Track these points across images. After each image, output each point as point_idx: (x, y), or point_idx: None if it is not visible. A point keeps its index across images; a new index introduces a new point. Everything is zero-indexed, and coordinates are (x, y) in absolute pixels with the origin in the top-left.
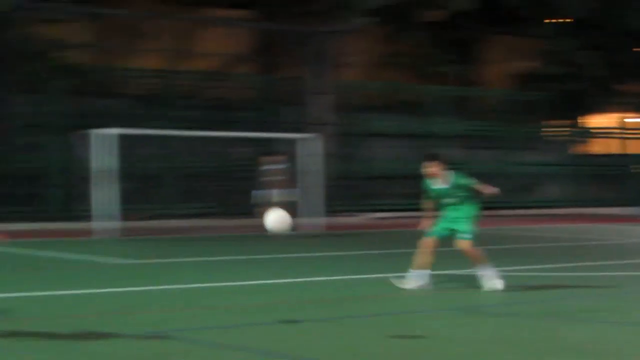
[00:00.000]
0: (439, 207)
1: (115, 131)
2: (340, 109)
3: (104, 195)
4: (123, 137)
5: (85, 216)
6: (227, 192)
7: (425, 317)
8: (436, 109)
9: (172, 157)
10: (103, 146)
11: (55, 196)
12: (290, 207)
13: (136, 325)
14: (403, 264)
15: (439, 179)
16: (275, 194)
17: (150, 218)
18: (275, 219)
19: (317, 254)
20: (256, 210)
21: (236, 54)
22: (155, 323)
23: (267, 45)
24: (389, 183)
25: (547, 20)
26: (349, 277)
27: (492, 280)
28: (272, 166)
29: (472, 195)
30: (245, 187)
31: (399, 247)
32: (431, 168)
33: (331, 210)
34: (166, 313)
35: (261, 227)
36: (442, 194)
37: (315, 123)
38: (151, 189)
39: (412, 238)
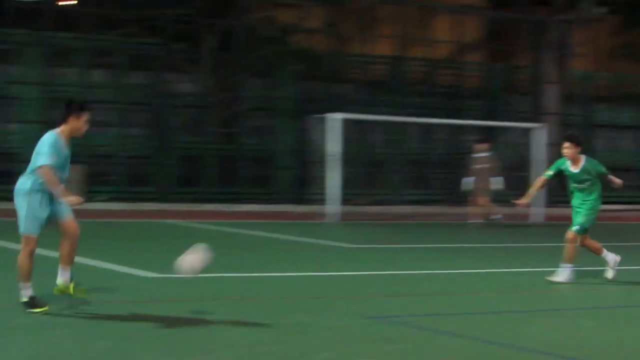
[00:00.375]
0: (571, 192)
1: (343, 116)
2: (569, 100)
3: (332, 179)
4: (351, 122)
5: (311, 200)
6: (452, 180)
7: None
8: None
9: (398, 143)
10: (334, 131)
11: (284, 179)
12: (492, 195)
13: (358, 310)
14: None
15: (573, 161)
16: (479, 181)
17: (374, 203)
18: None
19: (543, 244)
20: (468, 198)
21: (466, 42)
22: (377, 308)
23: (497, 33)
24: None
25: None
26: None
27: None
28: (481, 154)
29: (600, 185)
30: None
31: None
32: (566, 149)
33: (554, 201)
34: (387, 298)
35: (472, 215)
36: (573, 178)
37: (544, 113)
38: (376, 174)
39: (629, 232)
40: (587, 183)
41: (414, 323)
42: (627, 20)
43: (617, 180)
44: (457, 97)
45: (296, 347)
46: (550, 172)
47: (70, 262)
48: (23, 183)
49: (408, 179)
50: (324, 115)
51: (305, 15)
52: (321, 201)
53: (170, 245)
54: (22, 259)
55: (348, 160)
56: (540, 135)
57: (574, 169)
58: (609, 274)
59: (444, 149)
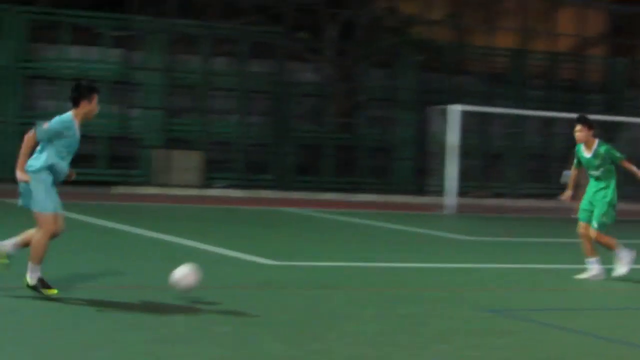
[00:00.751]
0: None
1: (463, 108)
2: None
3: (451, 171)
4: (470, 114)
5: (429, 191)
6: None
7: None
8: None
9: (517, 136)
10: (453, 122)
11: (402, 170)
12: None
13: (474, 302)
14: None
15: (586, 145)
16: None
17: (491, 196)
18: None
19: None
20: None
21: (589, 36)
22: (494, 301)
23: (620, 27)
24: None
25: None
26: None
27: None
28: None
29: (615, 172)
30: None
31: None
32: (578, 132)
33: None
34: (504, 291)
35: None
36: (586, 163)
37: None
38: (494, 167)
39: None
40: (601, 170)
41: (530, 317)
42: None
43: (636, 170)
44: (577, 90)
45: (414, 339)
46: (575, 162)
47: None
48: (34, 162)
49: (526, 172)
50: (443, 106)
51: (427, 7)
52: (439, 193)
53: (289, 233)
54: (40, 239)
55: (466, 152)
56: None
57: (587, 154)
58: (621, 270)
59: (564, 142)
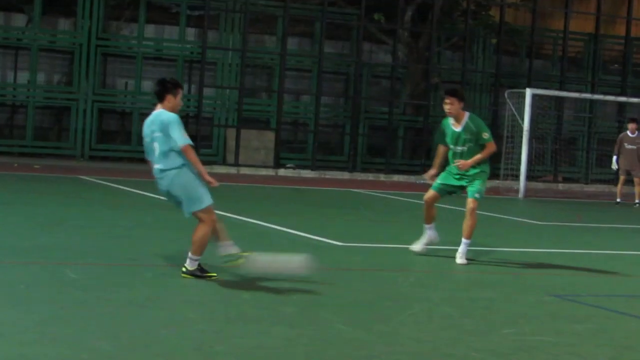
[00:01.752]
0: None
1: (536, 91)
2: None
3: (523, 155)
4: (543, 98)
5: (500, 174)
6: None
7: None
8: None
9: (590, 121)
10: (527, 106)
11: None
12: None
13: (541, 287)
14: None
15: (456, 119)
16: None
17: (562, 181)
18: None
19: None
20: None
21: None
22: (561, 286)
23: None
24: None
25: None
26: None
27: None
28: (631, 134)
29: (480, 149)
30: None
31: None
32: (449, 105)
33: None
34: (572, 277)
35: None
36: (453, 138)
37: None
38: (566, 151)
39: None
40: (467, 146)
41: (598, 303)
42: None
43: (489, 150)
44: None
45: (482, 323)
46: (440, 138)
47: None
48: (172, 162)
49: (597, 157)
50: (517, 89)
51: None
52: (511, 176)
53: (357, 215)
54: (207, 232)
55: (538, 136)
56: None
57: (456, 128)
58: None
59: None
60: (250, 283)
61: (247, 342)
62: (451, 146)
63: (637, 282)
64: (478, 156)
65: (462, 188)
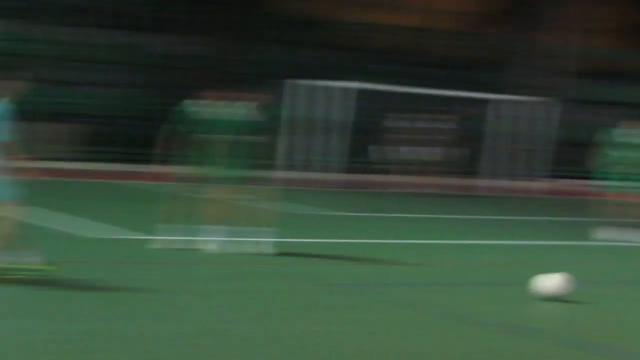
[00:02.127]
0: None
1: (327, 84)
2: (566, 75)
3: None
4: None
5: (298, 166)
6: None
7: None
8: None
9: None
10: (313, 97)
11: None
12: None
13: (319, 276)
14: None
15: None
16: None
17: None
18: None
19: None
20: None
21: (453, 11)
22: (339, 275)
23: (493, 8)
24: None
25: None
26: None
27: None
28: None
29: None
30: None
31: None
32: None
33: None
34: (353, 265)
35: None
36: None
37: (537, 87)
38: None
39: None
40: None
41: (373, 291)
42: None
43: None
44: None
45: (252, 312)
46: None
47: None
48: None
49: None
50: (308, 81)
51: None
52: (304, 167)
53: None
54: None
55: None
56: (548, 110)
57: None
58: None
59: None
60: (33, 279)
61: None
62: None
63: (417, 270)
64: None
65: None
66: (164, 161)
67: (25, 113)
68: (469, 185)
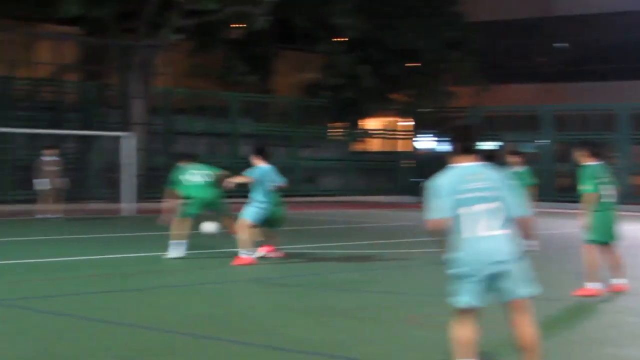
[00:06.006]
0: None
1: None
2: (153, 112)
3: None
4: None
5: None
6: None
7: (222, 288)
8: (236, 113)
9: (7, 150)
10: None
11: None
12: (60, 193)
13: None
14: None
15: None
16: (50, 182)
17: None
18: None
19: (128, 234)
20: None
21: (65, 64)
22: None
23: (92, 56)
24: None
25: (333, 39)
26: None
27: None
28: (49, 158)
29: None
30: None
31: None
32: None
33: (145, 197)
34: (0, 284)
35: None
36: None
37: (133, 123)
38: None
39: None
40: None
41: (21, 305)
42: (198, 45)
43: None
44: (58, 110)
45: None
46: None
47: None
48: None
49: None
50: None
51: None
52: None
53: None
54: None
55: None
56: (129, 142)
57: None
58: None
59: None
60: None
61: None
62: None
63: (50, 283)
64: None
65: None
66: None
67: None
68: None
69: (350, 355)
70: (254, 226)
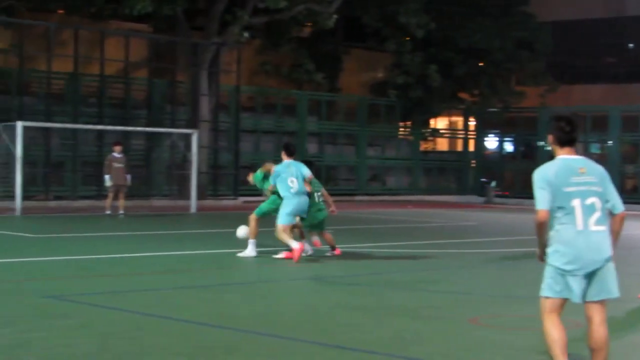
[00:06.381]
0: None
1: (25, 124)
2: (222, 109)
3: (18, 178)
4: (32, 129)
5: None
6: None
7: (283, 286)
8: (303, 111)
9: (74, 147)
10: (18, 137)
11: None
12: (126, 190)
13: (38, 290)
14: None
15: None
16: (117, 179)
17: (53, 198)
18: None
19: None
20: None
21: (136, 61)
22: (56, 288)
23: (159, 54)
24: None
25: (401, 38)
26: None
27: None
28: (117, 154)
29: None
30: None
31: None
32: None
33: (209, 195)
34: (62, 280)
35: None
36: None
37: (200, 120)
38: (55, 173)
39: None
40: None
41: (83, 300)
42: (266, 43)
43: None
44: (125, 107)
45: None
46: None
47: None
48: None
49: (82, 177)
50: (10, 123)
51: None
52: (8, 197)
53: None
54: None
55: (30, 162)
56: (195, 139)
57: None
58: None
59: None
60: None
61: None
62: None
63: (114, 280)
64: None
65: None
66: None
67: None
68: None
69: (408, 355)
70: (294, 226)
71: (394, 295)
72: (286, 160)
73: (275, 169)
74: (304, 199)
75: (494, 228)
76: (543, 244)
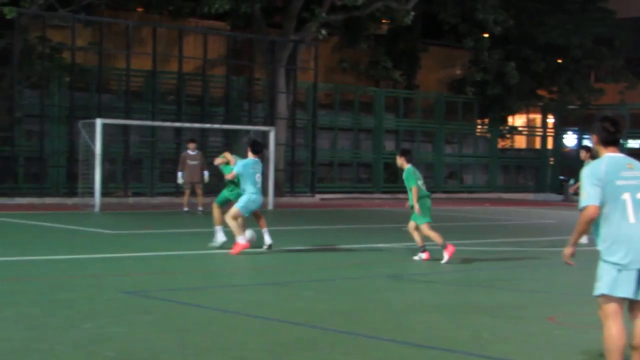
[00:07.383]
0: None
1: (104, 121)
2: (299, 106)
3: (97, 175)
4: (111, 126)
5: (79, 193)
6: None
7: (360, 283)
8: (380, 108)
9: (152, 144)
10: (97, 134)
11: (55, 176)
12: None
13: (117, 286)
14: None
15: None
16: (193, 176)
17: (131, 195)
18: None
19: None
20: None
21: (211, 58)
22: (132, 284)
23: (237, 51)
24: (338, 169)
25: (479, 35)
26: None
27: None
28: (193, 152)
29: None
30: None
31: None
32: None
33: (286, 192)
34: (142, 276)
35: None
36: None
37: (277, 117)
38: (132, 170)
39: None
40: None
41: (164, 296)
42: (344, 40)
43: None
44: (204, 104)
45: (64, 319)
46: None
47: None
48: None
49: (160, 174)
50: (89, 120)
51: (70, 36)
52: (88, 194)
53: None
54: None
55: (109, 158)
56: (273, 136)
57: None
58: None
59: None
60: None
61: None
62: None
63: (192, 276)
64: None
65: None
66: None
67: None
68: None
69: (485, 353)
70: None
71: (472, 294)
72: (252, 158)
73: (242, 162)
74: (262, 197)
75: (573, 226)
76: (576, 243)
